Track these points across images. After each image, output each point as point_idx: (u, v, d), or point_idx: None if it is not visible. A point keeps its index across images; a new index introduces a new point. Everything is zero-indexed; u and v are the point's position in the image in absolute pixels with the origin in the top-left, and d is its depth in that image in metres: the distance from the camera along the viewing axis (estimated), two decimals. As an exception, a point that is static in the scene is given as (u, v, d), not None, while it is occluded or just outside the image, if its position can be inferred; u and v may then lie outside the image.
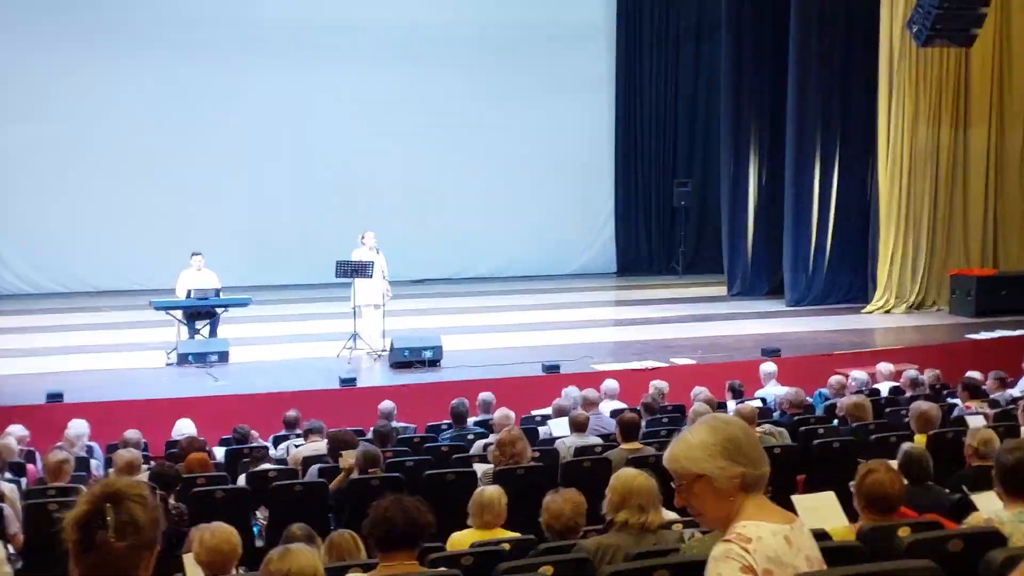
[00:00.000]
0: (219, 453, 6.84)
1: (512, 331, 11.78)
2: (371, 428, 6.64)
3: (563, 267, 17.16)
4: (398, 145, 16.07)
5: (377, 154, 16.01)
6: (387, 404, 7.43)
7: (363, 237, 10.57)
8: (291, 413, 7.31)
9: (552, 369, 9.33)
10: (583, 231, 17.36)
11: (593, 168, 17.28)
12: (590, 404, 7.12)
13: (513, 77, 16.52)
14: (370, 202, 15.52)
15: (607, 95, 17.30)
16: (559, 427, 6.81)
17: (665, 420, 7.08)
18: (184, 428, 7.21)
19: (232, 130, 15.50)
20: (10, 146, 14.84)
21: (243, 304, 10.64)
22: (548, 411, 7.49)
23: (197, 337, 10.49)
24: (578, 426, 6.26)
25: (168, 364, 10.05)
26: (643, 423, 6.53)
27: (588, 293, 15.24)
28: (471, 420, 7.30)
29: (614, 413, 7.02)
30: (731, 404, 7.47)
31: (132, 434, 6.66)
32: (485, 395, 7.70)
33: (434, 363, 9.77)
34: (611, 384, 7.96)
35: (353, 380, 9.00)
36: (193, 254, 10.86)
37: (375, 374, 9.76)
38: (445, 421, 7.38)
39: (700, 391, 7.36)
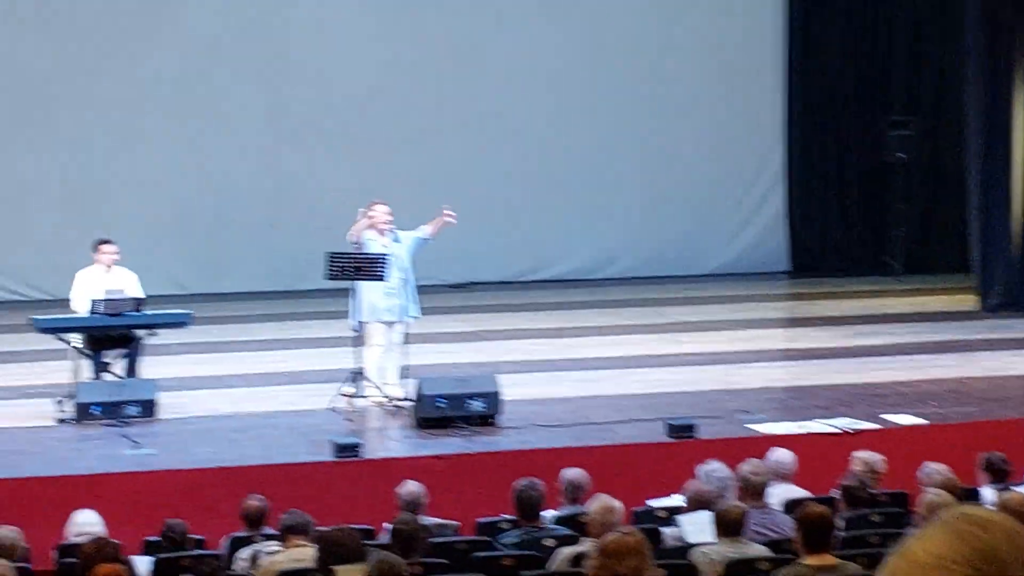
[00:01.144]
0: (142, 565, 6.88)
1: (613, 368, 11.83)
2: (386, 526, 6.68)
3: (698, 264, 17.08)
4: (422, 80, 16.09)
5: (391, 91, 16.05)
6: (412, 487, 7.51)
7: (369, 210, 10.60)
8: (254, 502, 7.38)
9: (683, 432, 9.39)
10: (731, 206, 17.28)
11: (749, 100, 17.18)
12: (749, 490, 7.16)
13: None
14: (381, 165, 15.57)
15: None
16: (697, 527, 6.86)
17: (876, 518, 7.14)
18: (86, 524, 7.32)
19: (160, 51, 15.65)
20: None
21: (180, 323, 10.78)
22: (678, 501, 7.56)
23: (106, 376, 10.62)
24: (729, 526, 6.34)
25: (61, 420, 10.17)
26: (840, 522, 6.54)
27: (742, 306, 15.21)
28: (549, 514, 7.39)
29: (790, 506, 7.03)
30: (988, 492, 7.48)
31: (4, 534, 6.76)
32: (572, 474, 7.74)
33: (487, 420, 9.87)
34: (783, 457, 8.01)
35: (355, 448, 9.10)
36: (100, 242, 11.01)
37: (391, 438, 9.89)
38: (506, 516, 7.46)
39: (935, 470, 7.38)
